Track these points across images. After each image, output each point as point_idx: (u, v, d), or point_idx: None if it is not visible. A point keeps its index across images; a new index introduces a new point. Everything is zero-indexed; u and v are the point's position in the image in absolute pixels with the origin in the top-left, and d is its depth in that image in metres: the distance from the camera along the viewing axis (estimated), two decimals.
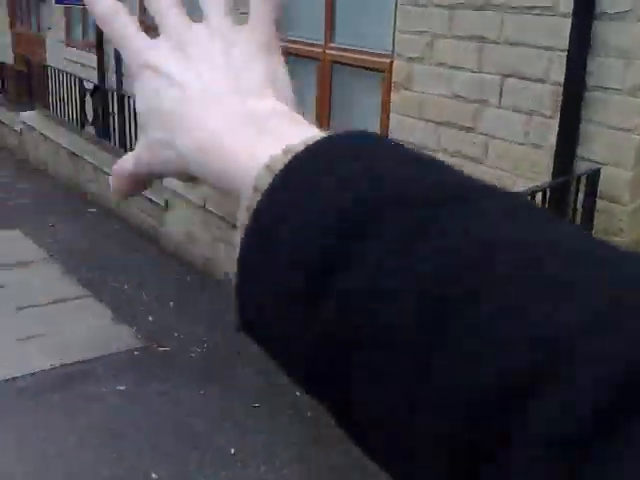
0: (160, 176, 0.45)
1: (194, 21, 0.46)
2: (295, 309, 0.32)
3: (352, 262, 0.30)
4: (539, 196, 3.58)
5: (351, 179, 0.32)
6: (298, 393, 4.23)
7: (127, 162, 0.46)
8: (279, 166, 0.34)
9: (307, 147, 0.34)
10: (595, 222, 3.95)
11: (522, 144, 4.35)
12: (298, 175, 0.34)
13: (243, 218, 0.35)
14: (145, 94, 0.43)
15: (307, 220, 0.31)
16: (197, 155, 0.40)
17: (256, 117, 0.39)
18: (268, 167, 0.34)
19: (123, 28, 0.45)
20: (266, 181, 0.34)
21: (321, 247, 0.30)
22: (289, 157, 0.34)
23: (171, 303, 5.38)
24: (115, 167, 0.48)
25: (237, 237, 0.35)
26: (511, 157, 4.42)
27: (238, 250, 0.35)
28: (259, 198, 0.34)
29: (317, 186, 0.32)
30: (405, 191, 0.31)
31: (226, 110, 0.40)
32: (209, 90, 0.41)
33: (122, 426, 3.85)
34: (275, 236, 0.33)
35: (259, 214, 0.34)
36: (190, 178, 0.43)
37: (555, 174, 4.07)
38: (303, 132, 0.37)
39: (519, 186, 4.22)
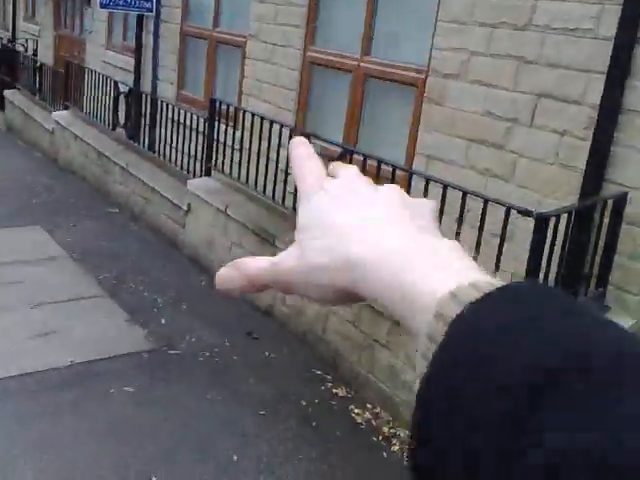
0: (295, 288, 0.48)
1: None
2: (487, 461, 0.31)
3: (561, 419, 0.30)
4: (565, 217, 3.46)
5: (549, 332, 0.33)
6: (304, 403, 4.13)
7: (256, 262, 0.50)
8: (466, 298, 0.35)
9: (499, 288, 0.35)
10: (619, 246, 3.81)
11: (551, 164, 4.23)
12: (492, 314, 0.34)
13: (424, 347, 0.35)
14: (317, 208, 0.48)
15: (507, 369, 0.32)
16: (369, 266, 0.41)
17: (432, 250, 0.42)
18: (454, 296, 0.36)
19: (308, 171, 0.52)
20: (451, 310, 0.35)
21: (530, 404, 0.31)
22: (477, 293, 0.35)
23: (184, 307, 5.32)
24: (239, 262, 0.51)
25: (418, 366, 0.36)
26: (539, 177, 4.30)
27: (423, 386, 0.35)
28: (446, 328, 0.35)
29: (514, 333, 0.33)
30: (591, 352, 0.32)
31: (403, 236, 0.43)
32: (387, 216, 0.45)
33: (126, 427, 3.78)
34: (469, 383, 0.33)
35: (449, 350, 0.34)
36: (336, 296, 0.45)
37: (583, 196, 3.95)
38: (476, 272, 0.39)
39: (545, 206, 4.10)
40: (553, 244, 3.37)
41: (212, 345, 4.74)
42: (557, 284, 3.55)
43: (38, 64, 10.77)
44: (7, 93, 11.63)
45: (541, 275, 3.31)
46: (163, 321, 5.05)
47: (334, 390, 4.30)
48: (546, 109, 4.26)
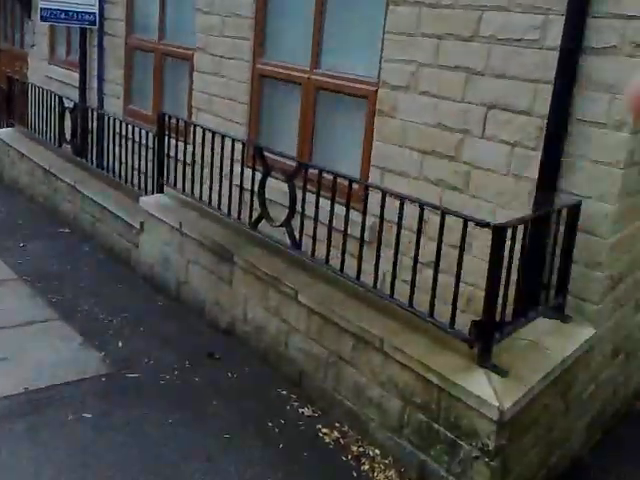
0: None
1: None
2: None
3: None
4: (520, 228, 3.52)
5: None
6: (270, 424, 4.10)
7: None
8: None
9: None
10: (576, 255, 3.90)
11: (504, 175, 4.30)
12: None
13: None
14: None
15: None
16: None
17: None
18: None
19: None
20: None
21: None
22: None
23: (141, 328, 5.22)
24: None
25: None
26: (492, 187, 4.37)
27: None
28: None
29: None
30: None
31: None
32: None
33: (87, 456, 3.68)
34: None
35: None
36: None
37: (536, 206, 4.02)
38: None
39: (499, 217, 4.17)
40: (511, 254, 3.42)
41: (172, 367, 4.66)
42: (518, 294, 3.61)
43: None
44: None
45: (501, 286, 3.36)
46: (120, 344, 4.94)
47: (300, 410, 4.27)
48: (496, 120, 4.33)
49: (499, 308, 3.40)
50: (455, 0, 4.50)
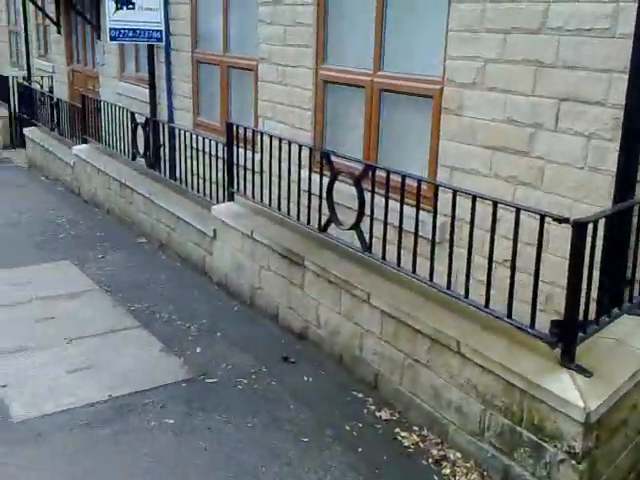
0: None
1: None
2: None
3: None
4: (601, 222, 3.40)
5: None
6: (348, 427, 4.10)
7: None
8: None
9: None
10: None
11: (580, 168, 4.18)
12: None
13: None
14: None
15: None
16: None
17: None
18: None
19: None
20: None
21: None
22: None
23: (218, 334, 5.32)
24: None
25: None
26: (568, 182, 4.25)
27: None
28: None
29: None
30: None
31: None
32: None
33: (170, 461, 3.77)
34: None
35: None
36: None
37: (616, 199, 3.89)
38: None
39: (577, 212, 4.05)
40: (592, 250, 3.31)
41: (249, 372, 4.73)
42: (600, 291, 3.49)
43: (54, 100, 10.91)
44: (27, 131, 11.80)
45: (583, 284, 3.25)
46: (198, 349, 5.05)
47: (377, 413, 4.25)
48: (569, 112, 4.22)
49: (581, 306, 3.30)
50: None
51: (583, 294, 3.29)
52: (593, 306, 3.52)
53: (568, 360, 3.32)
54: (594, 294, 3.51)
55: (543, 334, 3.43)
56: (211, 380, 4.63)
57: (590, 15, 4.04)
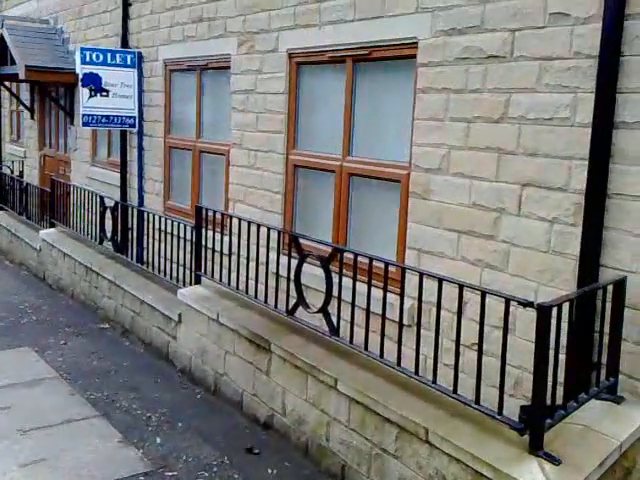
0: None
1: None
2: None
3: None
4: (566, 306, 3.39)
5: None
6: None
7: None
8: None
9: None
10: (625, 332, 3.73)
11: (545, 252, 4.21)
12: None
13: None
14: None
15: None
16: None
17: None
18: None
19: None
20: None
21: None
22: None
23: (180, 423, 5.11)
24: None
25: None
26: (533, 265, 4.27)
27: None
28: None
29: None
30: None
31: None
32: None
33: None
34: None
35: None
36: None
37: (580, 283, 3.90)
38: None
39: (542, 295, 4.04)
40: (558, 334, 3.28)
41: (211, 464, 4.51)
42: (567, 375, 3.44)
43: (24, 184, 10.89)
44: None
45: (550, 368, 3.20)
46: (158, 440, 4.83)
47: None
48: (532, 197, 4.29)
49: (549, 391, 3.23)
50: (482, 84, 4.56)
51: (550, 378, 3.23)
52: (561, 390, 3.45)
53: (536, 447, 3.23)
54: (561, 378, 3.45)
55: (511, 421, 3.34)
56: (171, 473, 4.40)
57: (550, 105, 4.17)
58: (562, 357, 3.44)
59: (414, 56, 5.08)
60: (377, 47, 5.46)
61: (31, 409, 5.28)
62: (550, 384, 3.25)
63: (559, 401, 3.43)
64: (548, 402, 3.28)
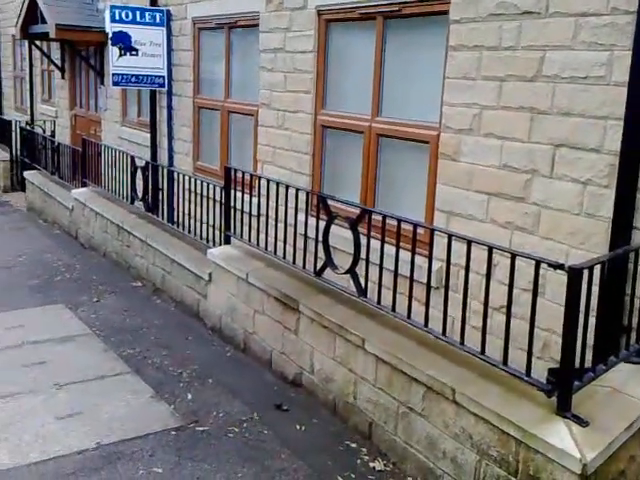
0: None
1: None
2: None
3: None
4: (597, 269, 3.35)
5: None
6: (341, 479, 3.98)
7: None
8: None
9: None
10: None
11: (577, 214, 4.15)
12: None
13: None
14: None
15: None
16: None
17: None
18: None
19: None
20: None
21: None
22: None
23: (210, 380, 5.21)
24: None
25: None
26: (565, 228, 4.22)
27: None
28: None
29: None
30: None
31: None
32: None
33: None
34: None
35: None
36: None
37: (612, 245, 3.85)
38: None
39: (573, 258, 4.00)
40: (588, 297, 3.25)
41: (241, 419, 4.61)
42: (597, 338, 3.43)
43: (56, 144, 11.00)
44: (27, 174, 11.87)
45: (579, 331, 3.19)
46: (189, 396, 4.94)
47: (371, 464, 4.12)
48: (565, 159, 4.21)
49: (577, 354, 3.22)
50: (516, 42, 4.46)
51: (579, 341, 3.22)
52: (590, 353, 3.44)
53: (564, 409, 3.23)
54: (591, 341, 3.44)
55: (539, 382, 3.35)
56: (201, 428, 4.51)
57: (585, 63, 4.07)
58: (592, 320, 3.41)
59: (446, 12, 4.97)
60: (408, 3, 5.35)
61: (65, 364, 5.43)
62: (579, 347, 3.24)
63: (588, 364, 3.42)
64: (577, 365, 3.27)
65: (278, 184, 5.49)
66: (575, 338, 3.16)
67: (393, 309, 4.35)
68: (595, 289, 3.37)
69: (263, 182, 5.69)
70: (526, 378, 3.41)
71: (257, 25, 7.18)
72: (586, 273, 3.17)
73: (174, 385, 5.12)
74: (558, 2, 4.19)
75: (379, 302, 4.48)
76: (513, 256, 3.48)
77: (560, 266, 3.19)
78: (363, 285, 4.61)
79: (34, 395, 4.91)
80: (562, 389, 3.24)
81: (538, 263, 3.34)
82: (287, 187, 5.36)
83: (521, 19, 4.41)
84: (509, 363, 3.53)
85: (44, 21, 10.79)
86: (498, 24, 4.56)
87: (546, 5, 4.26)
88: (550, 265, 3.25)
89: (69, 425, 4.50)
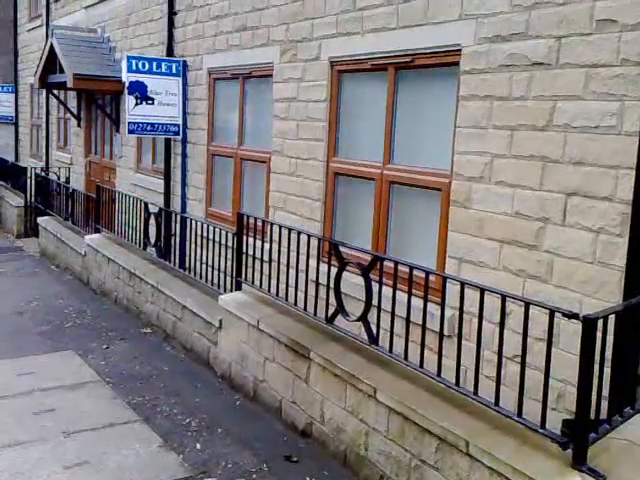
0: None
1: None
2: None
3: None
4: (612, 318, 3.31)
5: None
6: None
7: None
8: None
9: None
10: None
11: (590, 262, 4.12)
12: None
13: None
14: None
15: None
16: None
17: None
18: None
19: None
20: None
21: None
22: None
23: (219, 429, 5.14)
24: None
25: None
26: (578, 276, 4.19)
27: None
28: None
29: None
30: None
31: None
32: None
33: None
34: None
35: None
36: None
37: (626, 295, 3.81)
38: None
39: (587, 307, 3.96)
40: (603, 347, 3.20)
41: (250, 471, 4.53)
42: (612, 389, 3.36)
43: (70, 190, 11.14)
44: (41, 220, 11.99)
45: (594, 381, 3.13)
46: (198, 446, 4.87)
47: None
48: (577, 207, 4.21)
49: (593, 405, 3.16)
50: (527, 92, 4.50)
51: (594, 392, 3.16)
52: (605, 404, 3.37)
53: (580, 462, 3.15)
54: (606, 392, 3.37)
55: (554, 435, 3.27)
56: (210, 479, 4.43)
57: (596, 113, 4.10)
58: (607, 370, 3.35)
59: (457, 63, 5.04)
60: (420, 54, 5.44)
61: (74, 412, 5.38)
62: (594, 398, 3.18)
63: (603, 415, 3.35)
64: (592, 416, 3.21)
65: (290, 230, 5.51)
66: (590, 389, 3.10)
67: (405, 358, 4.30)
68: (610, 339, 3.32)
69: (275, 228, 5.71)
70: (541, 430, 3.34)
71: (271, 75, 7.31)
72: (600, 323, 3.13)
73: (183, 434, 5.06)
74: (569, 53, 4.24)
75: (391, 350, 4.44)
76: (527, 305, 3.45)
77: (574, 315, 3.15)
78: (375, 333, 4.57)
79: (43, 443, 4.85)
80: (577, 442, 3.17)
81: (552, 312, 3.30)
82: (299, 233, 5.38)
83: (532, 70, 4.47)
84: (523, 414, 3.46)
85: (62, 71, 11.04)
86: (509, 75, 4.62)
87: (557, 57, 4.31)
88: (564, 314, 3.21)
89: (76, 475, 4.43)
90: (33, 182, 13.24)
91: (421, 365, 4.16)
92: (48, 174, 13.58)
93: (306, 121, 6.73)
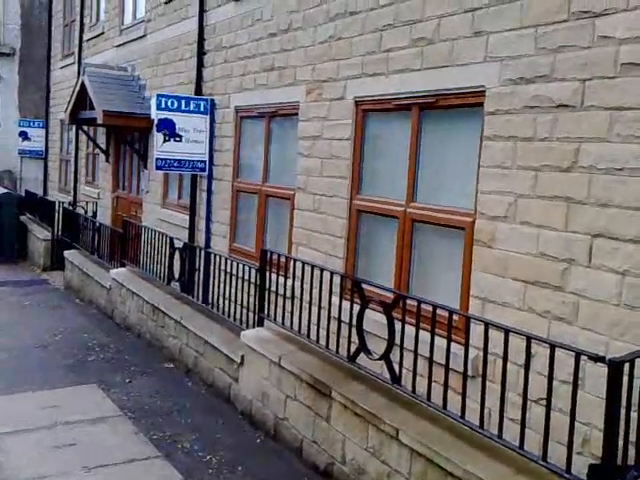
0: None
1: None
2: None
3: None
4: (639, 362, 3.26)
5: None
6: None
7: None
8: None
9: None
10: None
11: (616, 305, 4.08)
12: None
13: None
14: None
15: None
16: None
17: None
18: None
19: None
20: None
21: None
22: None
23: (240, 467, 5.11)
24: None
25: None
26: (604, 318, 4.14)
27: None
28: None
29: None
30: None
31: None
32: None
33: None
34: None
35: None
36: None
37: None
38: None
39: (613, 349, 3.91)
40: (630, 391, 3.16)
41: None
42: None
43: (97, 225, 11.30)
44: (67, 254, 12.15)
45: (621, 425, 3.08)
46: None
47: None
48: (603, 248, 4.18)
49: (620, 450, 3.10)
50: (551, 133, 4.53)
51: (621, 437, 3.10)
52: (632, 450, 3.30)
53: None
54: (633, 437, 3.31)
55: None
56: None
57: (621, 155, 4.10)
58: (634, 415, 3.30)
59: (481, 104, 5.09)
60: (444, 95, 5.50)
61: (96, 446, 5.39)
62: (621, 443, 3.12)
63: (630, 461, 3.28)
64: (619, 462, 3.14)
65: (313, 267, 5.53)
66: (617, 433, 3.05)
67: (428, 398, 4.26)
68: (637, 382, 3.27)
69: (298, 264, 5.74)
70: (566, 475, 3.28)
71: (296, 114, 7.43)
72: (627, 366, 3.09)
73: (203, 472, 5.03)
74: (593, 96, 4.26)
75: (414, 390, 4.41)
76: (552, 347, 3.42)
77: (600, 359, 3.12)
78: (397, 372, 4.55)
79: (64, 478, 4.86)
80: None
81: (578, 355, 3.27)
82: (322, 270, 5.40)
83: (556, 112, 4.49)
84: (548, 458, 3.40)
85: (92, 107, 11.31)
86: (533, 116, 4.65)
87: (581, 99, 4.34)
88: (590, 357, 3.18)
89: None
90: (61, 216, 13.46)
91: (444, 406, 4.12)
92: (75, 208, 13.81)
93: (330, 159, 6.81)
